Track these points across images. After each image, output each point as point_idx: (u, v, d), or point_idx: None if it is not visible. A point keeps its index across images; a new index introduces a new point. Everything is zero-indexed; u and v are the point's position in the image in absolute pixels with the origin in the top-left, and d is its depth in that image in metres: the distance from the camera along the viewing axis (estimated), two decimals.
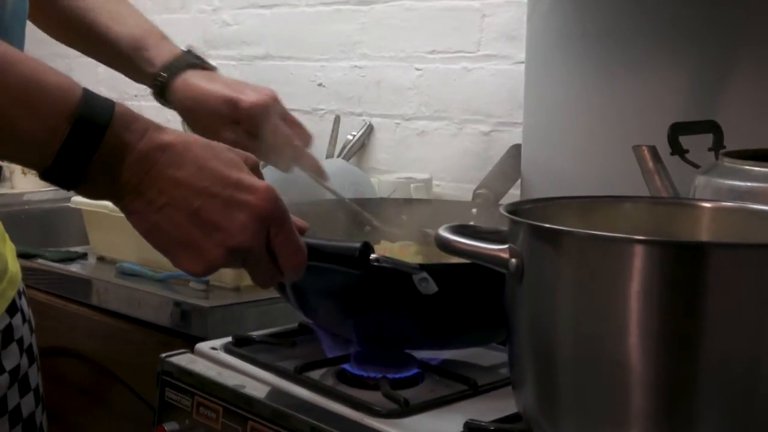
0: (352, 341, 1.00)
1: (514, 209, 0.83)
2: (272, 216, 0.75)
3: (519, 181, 1.42)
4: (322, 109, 1.95)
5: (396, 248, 1.23)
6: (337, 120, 1.87)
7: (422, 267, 0.87)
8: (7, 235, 1.07)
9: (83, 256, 1.57)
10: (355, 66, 1.86)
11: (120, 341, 1.32)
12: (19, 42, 0.95)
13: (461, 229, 0.83)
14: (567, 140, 1.36)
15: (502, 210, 0.78)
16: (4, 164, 2.35)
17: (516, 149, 1.45)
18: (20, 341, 1.01)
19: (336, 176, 1.66)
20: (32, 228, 2.14)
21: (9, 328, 0.99)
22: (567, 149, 1.35)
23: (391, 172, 1.82)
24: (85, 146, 0.70)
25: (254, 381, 0.94)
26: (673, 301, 0.68)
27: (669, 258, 0.68)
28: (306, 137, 1.15)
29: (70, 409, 1.36)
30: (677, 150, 1.02)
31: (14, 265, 1.04)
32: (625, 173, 1.14)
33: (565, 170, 1.35)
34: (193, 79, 1.11)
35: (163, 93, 1.12)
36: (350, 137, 1.87)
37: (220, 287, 1.33)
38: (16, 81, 0.69)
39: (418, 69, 1.76)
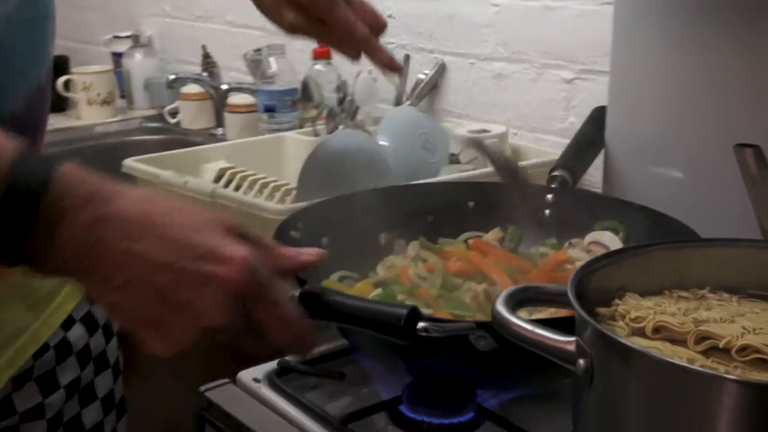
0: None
1: (585, 274, 0.70)
2: (248, 290, 0.64)
3: (602, 152, 1.26)
4: (392, 43, 1.79)
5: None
6: (406, 59, 1.72)
7: (479, 325, 0.76)
8: None
9: None
10: None
11: None
12: (26, 49, 0.84)
13: (523, 294, 0.71)
14: (660, 106, 1.18)
15: (570, 293, 0.65)
16: (71, 93, 2.29)
17: (599, 113, 1.29)
18: (83, 352, 0.97)
19: (405, 126, 1.54)
20: (95, 164, 2.08)
21: (64, 342, 0.95)
22: (658, 116, 1.18)
23: (464, 116, 1.68)
24: (18, 216, 0.61)
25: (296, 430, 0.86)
26: None
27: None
28: (377, 25, 1.01)
29: None
30: None
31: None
32: (725, 149, 0.99)
33: (657, 141, 1.18)
34: None
35: None
36: (422, 76, 1.72)
37: None
38: None
39: (494, 5, 1.59)
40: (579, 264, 1.03)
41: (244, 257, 0.64)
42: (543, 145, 1.53)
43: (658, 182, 1.16)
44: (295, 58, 1.94)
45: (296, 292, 0.76)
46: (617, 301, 0.72)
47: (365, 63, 1.82)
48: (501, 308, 0.67)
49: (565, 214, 1.13)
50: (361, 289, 0.99)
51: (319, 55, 1.78)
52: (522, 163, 1.42)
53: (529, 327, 0.65)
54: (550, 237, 1.12)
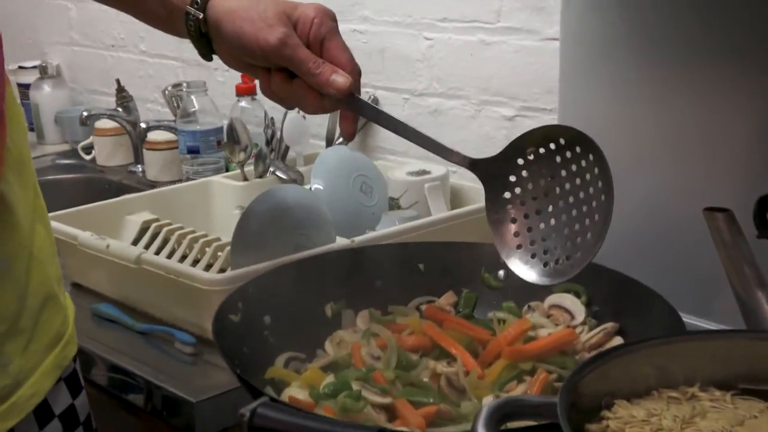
0: None
1: (572, 387, 0.63)
2: None
3: None
4: None
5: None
6: None
7: None
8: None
9: None
10: (355, 30, 1.62)
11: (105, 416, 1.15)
12: None
13: (506, 410, 0.64)
14: (614, 155, 1.12)
15: (561, 419, 0.59)
16: None
17: None
18: None
19: (340, 168, 1.46)
20: None
21: None
22: (613, 163, 1.12)
23: (399, 153, 1.61)
24: None
25: None
26: None
27: None
28: None
29: None
30: (765, 231, 0.82)
31: (43, 383, 0.88)
32: (688, 204, 0.94)
33: (615, 190, 1.12)
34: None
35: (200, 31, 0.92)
36: None
37: (210, 342, 1.14)
38: None
39: (427, 38, 1.52)
40: (541, 333, 0.99)
41: None
42: None
43: (617, 238, 1.09)
44: (216, 92, 1.84)
45: (246, 412, 0.68)
46: (607, 413, 0.65)
47: None
48: (481, 430, 0.60)
49: None
50: (311, 378, 0.90)
51: (243, 92, 1.69)
52: (464, 209, 1.35)
53: None
54: (507, 300, 1.05)
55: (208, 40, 0.92)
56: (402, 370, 0.93)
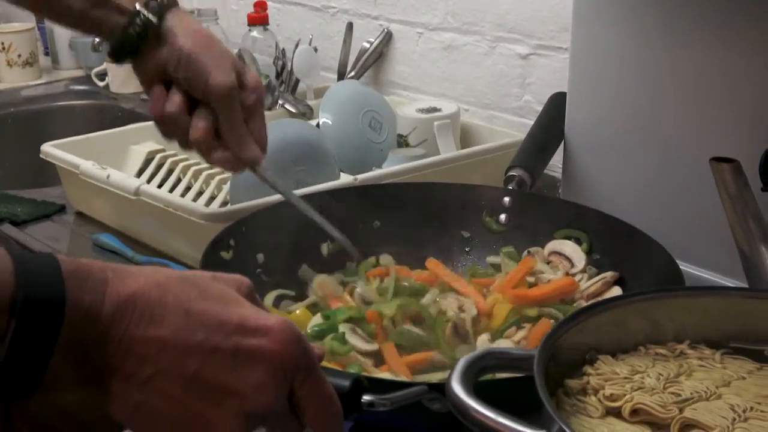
0: None
1: (554, 339, 0.61)
2: (296, 362, 0.55)
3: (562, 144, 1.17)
4: (334, 7, 1.67)
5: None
6: (349, 27, 1.60)
7: (432, 387, 0.67)
8: None
9: (61, 209, 1.38)
10: None
11: None
12: None
13: (484, 362, 0.63)
14: (627, 97, 1.08)
15: (537, 378, 0.57)
16: None
17: (557, 101, 1.19)
18: None
19: (350, 102, 1.43)
20: (18, 134, 1.94)
21: None
22: (625, 109, 1.08)
23: (411, 89, 1.57)
24: (42, 338, 0.50)
25: None
26: None
27: None
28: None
29: None
30: None
31: None
32: (700, 151, 0.90)
33: (624, 137, 1.08)
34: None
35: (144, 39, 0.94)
36: (366, 45, 1.61)
37: None
38: None
39: None
40: (543, 278, 0.97)
41: (284, 323, 0.56)
42: (497, 124, 1.44)
43: (623, 184, 1.07)
44: (230, 20, 1.81)
45: None
46: (588, 369, 0.63)
47: (304, 32, 1.72)
48: (457, 388, 0.58)
49: (523, 220, 1.04)
50: (298, 318, 0.89)
51: (255, 21, 1.65)
52: (471, 149, 1.32)
53: (491, 415, 0.56)
54: (507, 245, 1.03)
55: (138, 45, 0.95)
56: (407, 301, 0.90)
